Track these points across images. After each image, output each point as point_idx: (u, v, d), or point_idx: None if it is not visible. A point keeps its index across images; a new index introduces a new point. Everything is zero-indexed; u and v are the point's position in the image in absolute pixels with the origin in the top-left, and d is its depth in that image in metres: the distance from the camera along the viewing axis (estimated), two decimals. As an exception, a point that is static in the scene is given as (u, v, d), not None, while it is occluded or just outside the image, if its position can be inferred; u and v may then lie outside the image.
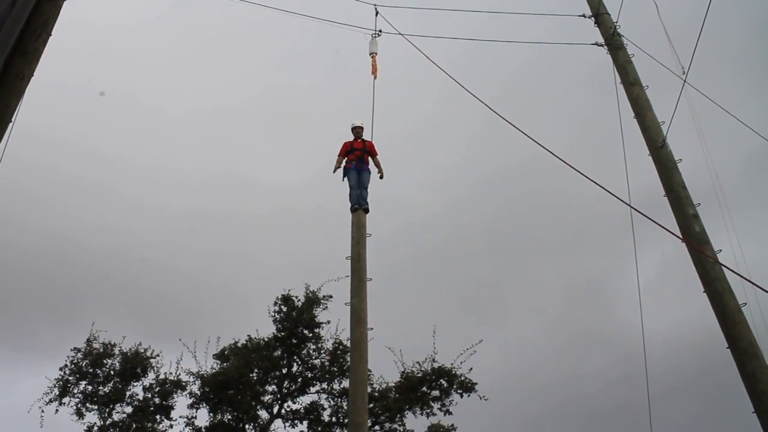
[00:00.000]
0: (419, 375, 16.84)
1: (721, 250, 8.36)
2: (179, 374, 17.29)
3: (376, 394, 16.76)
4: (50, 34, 6.13)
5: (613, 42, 10.84)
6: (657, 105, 9.85)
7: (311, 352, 17.66)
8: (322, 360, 17.53)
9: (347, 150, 12.37)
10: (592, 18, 11.38)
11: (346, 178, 12.09)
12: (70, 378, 16.86)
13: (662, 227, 7.36)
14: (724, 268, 8.03)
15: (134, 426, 16.65)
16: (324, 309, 17.67)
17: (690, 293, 8.37)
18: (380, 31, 12.47)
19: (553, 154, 8.13)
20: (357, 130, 12.56)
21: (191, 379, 17.17)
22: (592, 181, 7.56)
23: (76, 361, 16.98)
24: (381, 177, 12.33)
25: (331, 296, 17.60)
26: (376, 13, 12.50)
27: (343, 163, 12.27)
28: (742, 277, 6.44)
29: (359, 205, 11.56)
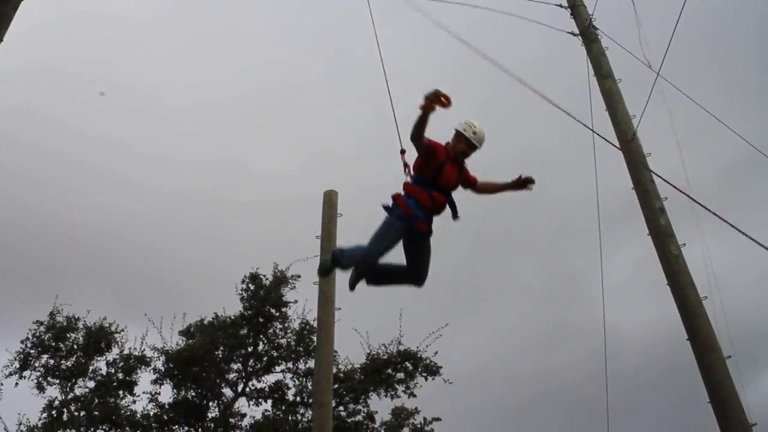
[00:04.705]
0: (385, 357, 16.93)
1: (685, 244, 8.54)
2: (144, 350, 17.21)
3: (342, 375, 16.81)
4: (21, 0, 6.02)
5: (587, 34, 10.90)
6: (633, 101, 9.94)
7: (278, 331, 17.65)
8: (289, 340, 17.53)
9: (437, 166, 5.93)
10: (569, 9, 11.43)
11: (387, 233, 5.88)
12: (32, 351, 16.65)
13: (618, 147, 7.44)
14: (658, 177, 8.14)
15: (96, 401, 16.53)
16: (292, 288, 17.66)
17: (664, 291, 8.54)
18: None
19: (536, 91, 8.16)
20: (473, 140, 6.05)
21: (155, 355, 17.11)
22: (554, 104, 7.36)
23: (38, 334, 16.77)
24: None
25: (299, 276, 17.58)
26: None
27: (407, 204, 5.86)
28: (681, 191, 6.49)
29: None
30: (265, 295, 17.46)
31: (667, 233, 8.67)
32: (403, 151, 6.21)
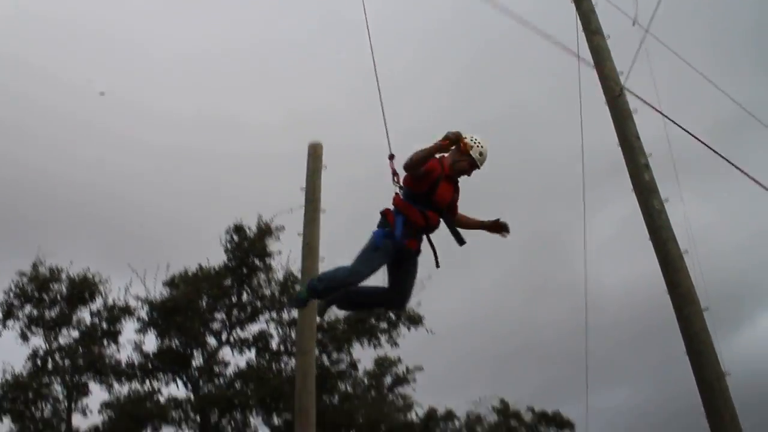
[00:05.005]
0: (368, 308, 17.11)
1: (668, 199, 8.62)
2: (127, 300, 17.26)
3: (325, 325, 17.01)
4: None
5: (577, -12, 10.73)
6: (621, 59, 9.83)
7: (261, 282, 17.75)
8: (273, 290, 17.64)
9: (431, 182, 5.14)
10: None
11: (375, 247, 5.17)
12: (15, 302, 16.65)
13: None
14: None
15: (81, 350, 16.63)
16: (276, 240, 17.70)
17: (646, 248, 8.64)
18: None
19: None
20: (478, 161, 5.29)
21: (139, 305, 17.17)
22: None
23: (21, 284, 16.75)
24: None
25: (284, 227, 17.59)
26: None
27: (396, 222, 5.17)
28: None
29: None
30: (249, 246, 17.51)
31: (650, 189, 8.72)
32: (391, 157, 5.44)
